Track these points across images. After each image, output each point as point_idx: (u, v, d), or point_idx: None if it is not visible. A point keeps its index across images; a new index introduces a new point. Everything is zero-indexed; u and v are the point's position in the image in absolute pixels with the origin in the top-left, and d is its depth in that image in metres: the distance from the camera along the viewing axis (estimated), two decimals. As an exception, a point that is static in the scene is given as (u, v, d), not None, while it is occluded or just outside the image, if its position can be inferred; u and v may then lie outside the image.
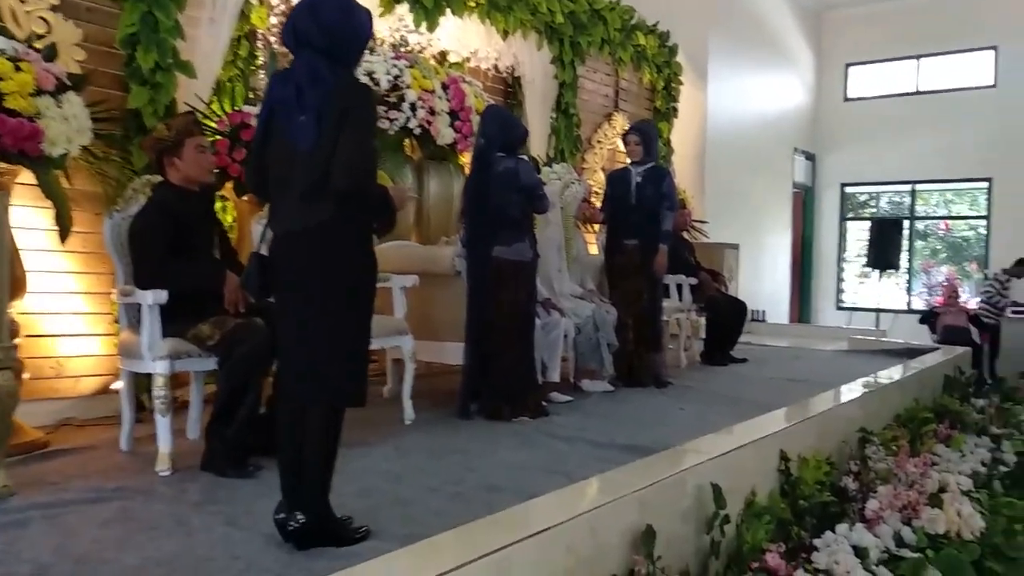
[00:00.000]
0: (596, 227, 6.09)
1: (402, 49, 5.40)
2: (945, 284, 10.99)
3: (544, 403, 3.99)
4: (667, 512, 2.38)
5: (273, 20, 4.63)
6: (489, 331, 3.80)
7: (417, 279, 3.82)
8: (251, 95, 4.34)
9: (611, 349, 4.65)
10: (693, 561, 2.46)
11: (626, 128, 5.61)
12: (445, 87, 4.98)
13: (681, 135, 8.26)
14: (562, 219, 5.08)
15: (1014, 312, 9.11)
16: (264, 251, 2.28)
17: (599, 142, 7.37)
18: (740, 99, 9.62)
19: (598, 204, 5.53)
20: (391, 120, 4.67)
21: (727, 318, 6.01)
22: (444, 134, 4.90)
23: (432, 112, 4.81)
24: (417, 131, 4.79)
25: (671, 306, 5.63)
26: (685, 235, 6.69)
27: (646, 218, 4.81)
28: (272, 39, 4.63)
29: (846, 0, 11.42)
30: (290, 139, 2.12)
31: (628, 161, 5.05)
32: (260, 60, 4.54)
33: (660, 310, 5.02)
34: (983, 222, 11.16)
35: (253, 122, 3.53)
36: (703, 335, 6.09)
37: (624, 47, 7.54)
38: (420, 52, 5.51)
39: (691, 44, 8.47)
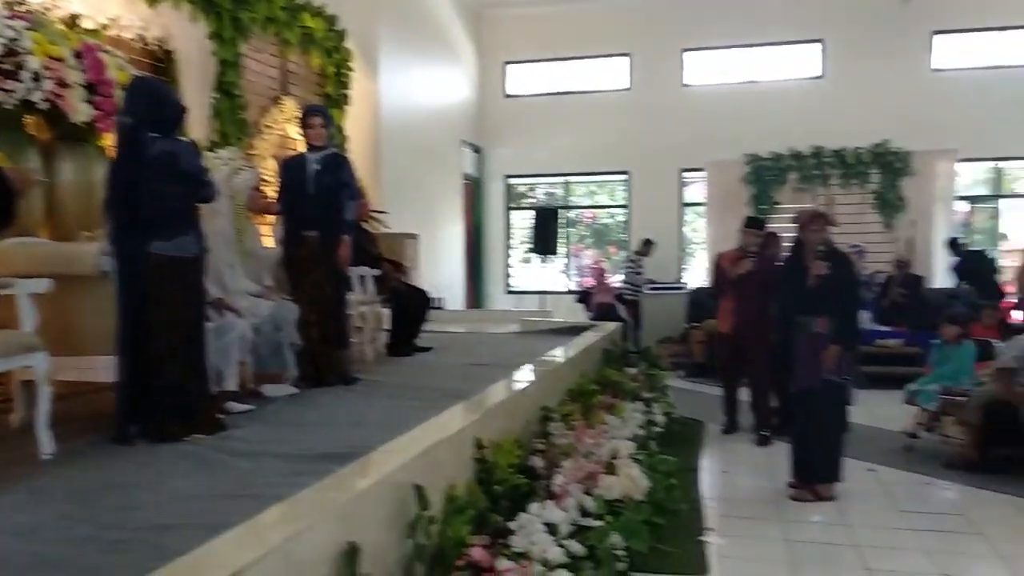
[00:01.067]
0: (272, 218, 5.68)
1: (19, 8, 4.50)
2: (593, 267, 12.30)
3: (221, 416, 3.59)
4: (371, 523, 2.23)
5: None
6: (148, 339, 3.30)
7: (51, 283, 3.17)
8: None
9: (294, 349, 4.35)
10: (397, 571, 2.34)
11: (300, 111, 5.29)
12: (78, 55, 4.24)
13: (355, 124, 8.10)
14: (231, 209, 4.62)
15: (651, 288, 10.47)
16: None
17: (268, 127, 6.91)
18: (411, 90, 9.72)
19: (271, 193, 5.15)
20: (7, 91, 3.86)
21: (411, 308, 6.01)
22: (79, 110, 4.17)
23: (63, 84, 4.06)
24: (44, 106, 4.01)
25: (355, 299, 5.46)
26: (366, 225, 6.56)
27: (325, 208, 4.57)
28: None
29: (503, 0, 12.13)
30: None
31: (302, 148, 4.75)
32: None
33: (345, 304, 4.83)
34: (623, 211, 12.65)
35: None
36: (388, 327, 6.01)
37: (291, 27, 7.15)
38: (44, 13, 4.64)
39: (362, 32, 8.34)
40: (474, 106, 12.27)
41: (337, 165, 4.65)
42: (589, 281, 12.24)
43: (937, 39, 11.06)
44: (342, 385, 4.53)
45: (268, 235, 5.56)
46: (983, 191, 11.61)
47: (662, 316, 10.13)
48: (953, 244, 9.94)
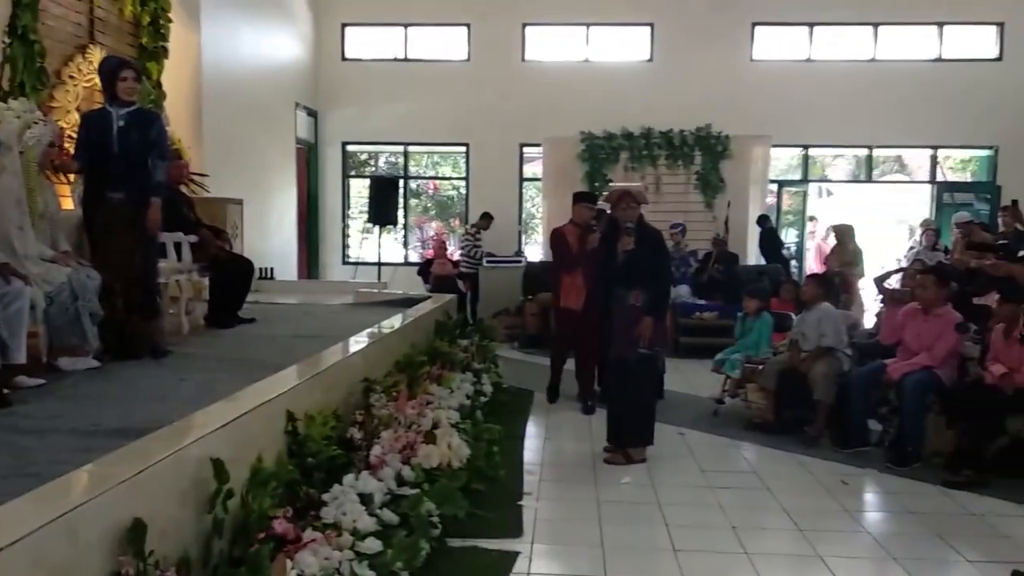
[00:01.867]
0: (71, 177, 5.26)
1: None
2: (434, 239, 12.34)
3: (6, 391, 3.33)
4: (163, 499, 2.16)
5: None
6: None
7: None
8: None
9: (95, 320, 4.08)
10: (194, 546, 2.28)
11: (106, 64, 4.89)
12: None
13: (173, 79, 7.61)
14: (22, 166, 4.25)
15: (489, 261, 10.63)
16: None
17: (72, 77, 6.36)
18: (239, 46, 9.26)
19: (72, 150, 4.77)
20: None
21: (232, 277, 5.79)
22: None
23: None
24: None
25: (169, 267, 5.20)
26: (183, 189, 6.23)
27: (132, 168, 4.30)
28: None
29: (339, -41, 11.78)
30: None
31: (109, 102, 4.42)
32: None
33: (155, 272, 4.58)
34: (463, 183, 12.73)
35: None
36: (207, 297, 5.77)
37: (98, -32, 6.60)
38: None
39: (181, -21, 7.82)
40: (310, 68, 11.88)
41: (146, 122, 4.38)
42: (430, 253, 12.27)
43: (758, 30, 11.90)
44: (151, 358, 4.31)
45: (67, 195, 5.16)
46: (794, 176, 12.70)
47: (499, 289, 10.32)
48: (761, 221, 10.80)
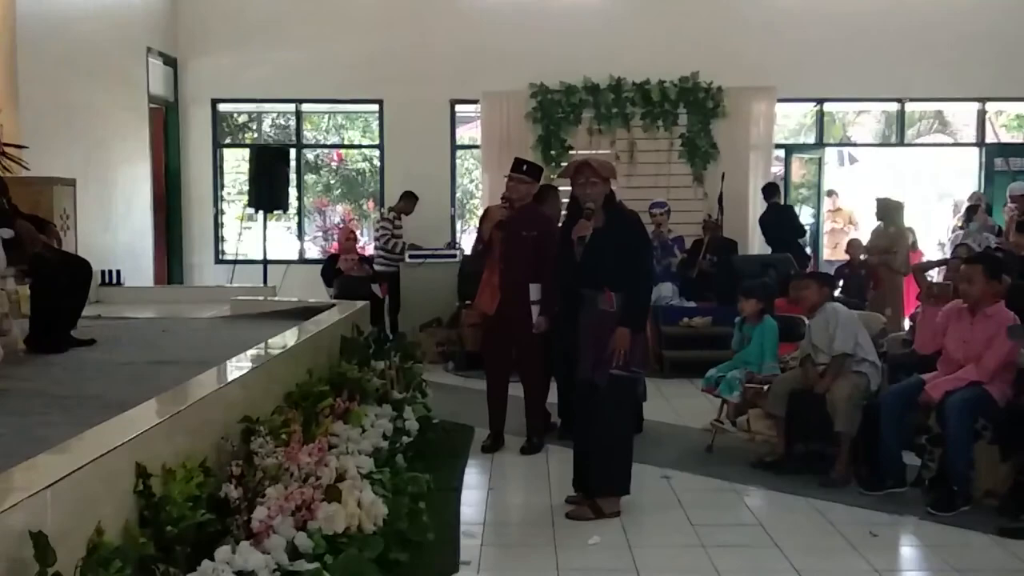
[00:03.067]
0: None
1: None
2: (339, 227, 12.26)
3: None
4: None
5: None
6: None
7: None
8: None
9: None
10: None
11: None
12: None
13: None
14: None
15: (413, 256, 10.60)
16: None
17: None
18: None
19: None
20: None
21: (63, 284, 5.69)
22: None
23: None
24: None
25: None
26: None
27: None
28: None
29: None
30: None
31: None
32: None
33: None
34: (377, 152, 12.68)
35: None
36: (28, 312, 5.65)
37: None
38: None
39: None
40: (166, 2, 11.69)
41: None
42: (334, 247, 12.20)
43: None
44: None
45: None
46: (806, 138, 12.98)
47: (427, 293, 10.34)
48: (768, 192, 10.92)
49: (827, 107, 12.73)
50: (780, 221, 10.80)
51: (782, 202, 11.14)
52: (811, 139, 12.97)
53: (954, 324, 5.37)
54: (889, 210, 9.67)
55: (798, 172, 12.79)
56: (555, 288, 5.53)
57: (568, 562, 4.31)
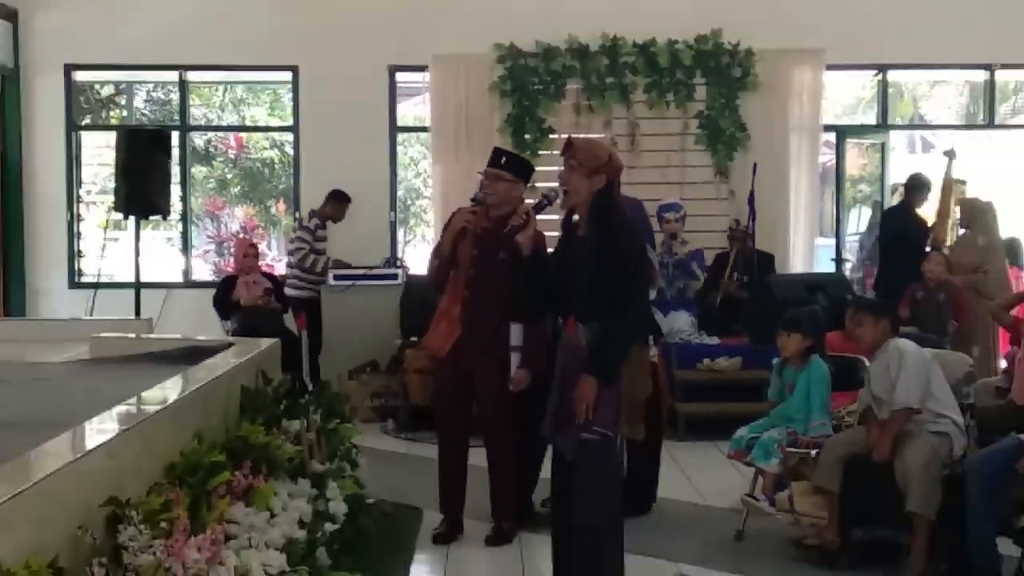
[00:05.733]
0: None
1: None
2: (239, 238, 12.19)
3: None
4: None
5: None
6: None
7: None
8: None
9: None
10: None
11: None
12: None
13: None
14: None
15: (339, 277, 10.57)
16: None
17: None
18: None
19: None
20: None
21: None
22: None
23: None
24: None
25: None
26: None
27: None
28: None
29: None
30: None
31: None
32: None
33: None
34: (290, 136, 12.66)
35: None
36: None
37: None
38: None
39: None
40: (2, -67, 11.70)
41: None
42: (233, 265, 12.15)
43: None
44: None
45: None
46: (865, 118, 13.07)
47: (360, 327, 10.32)
48: (915, 186, 10.63)
49: (892, 76, 12.81)
50: (900, 229, 10.51)
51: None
52: (871, 119, 13.04)
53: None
54: (977, 214, 9.67)
55: (855, 162, 12.84)
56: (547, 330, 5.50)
57: None
